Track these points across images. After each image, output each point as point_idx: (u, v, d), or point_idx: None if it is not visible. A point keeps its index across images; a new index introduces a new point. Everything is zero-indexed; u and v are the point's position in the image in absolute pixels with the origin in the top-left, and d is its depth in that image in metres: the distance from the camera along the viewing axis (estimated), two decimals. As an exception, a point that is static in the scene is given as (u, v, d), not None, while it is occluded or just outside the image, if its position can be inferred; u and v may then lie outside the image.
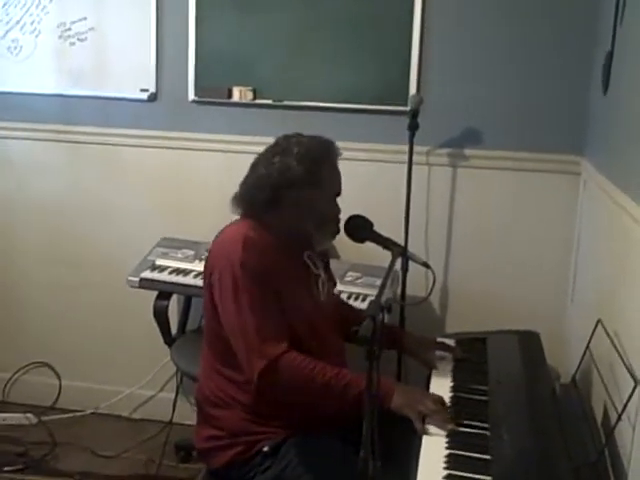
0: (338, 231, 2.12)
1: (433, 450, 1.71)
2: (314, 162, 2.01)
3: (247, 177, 2.08)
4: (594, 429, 1.88)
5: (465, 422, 1.82)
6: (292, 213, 2.03)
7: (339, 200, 2.12)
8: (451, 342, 2.33)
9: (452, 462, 1.65)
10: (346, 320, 2.23)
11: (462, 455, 1.68)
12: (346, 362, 2.15)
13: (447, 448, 1.71)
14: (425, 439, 1.77)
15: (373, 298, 1.63)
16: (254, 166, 2.08)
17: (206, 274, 2.07)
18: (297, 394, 1.95)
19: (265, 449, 1.99)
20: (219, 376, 2.06)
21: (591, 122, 2.80)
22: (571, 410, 1.92)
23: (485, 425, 1.81)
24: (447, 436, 1.77)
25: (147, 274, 2.88)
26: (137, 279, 2.87)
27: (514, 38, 2.90)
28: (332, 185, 2.08)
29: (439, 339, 2.38)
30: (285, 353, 1.90)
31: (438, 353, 2.25)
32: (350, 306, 2.54)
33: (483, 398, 1.97)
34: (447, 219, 3.07)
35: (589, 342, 2.07)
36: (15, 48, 3.27)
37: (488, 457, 1.66)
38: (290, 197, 2.02)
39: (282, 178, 2.00)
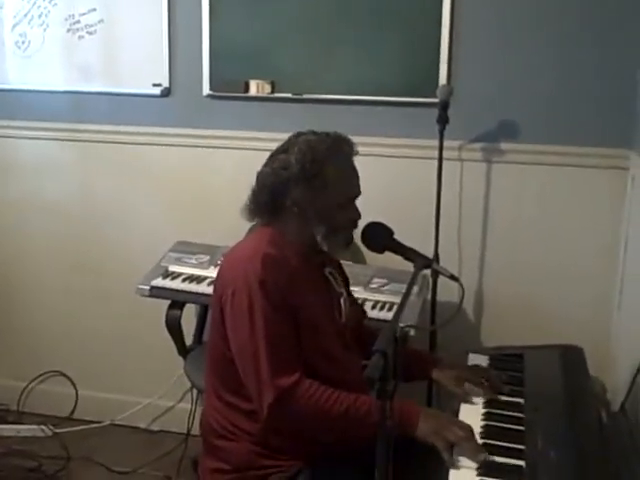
0: (352, 239, 1.93)
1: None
2: (315, 161, 1.81)
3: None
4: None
5: (498, 456, 1.63)
6: (296, 218, 1.85)
7: (359, 203, 1.92)
8: (486, 366, 2.12)
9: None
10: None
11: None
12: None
13: (477, 486, 1.53)
14: (452, 473, 1.59)
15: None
16: (262, 167, 1.91)
17: (217, 291, 1.89)
18: (312, 427, 1.78)
19: (275, 484, 1.83)
20: (223, 404, 1.89)
21: (641, 112, 2.57)
22: (620, 445, 1.70)
23: (520, 462, 1.61)
24: (478, 469, 1.58)
25: (158, 282, 2.71)
26: (147, 287, 2.70)
27: (554, 23, 2.68)
28: (341, 187, 1.87)
29: (471, 353, 2.20)
30: (298, 383, 1.73)
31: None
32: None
33: (519, 427, 1.77)
34: (481, 219, 2.86)
35: (641, 365, 1.84)
36: (23, 43, 3.14)
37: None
38: (290, 199, 1.83)
39: (277, 177, 1.83)
